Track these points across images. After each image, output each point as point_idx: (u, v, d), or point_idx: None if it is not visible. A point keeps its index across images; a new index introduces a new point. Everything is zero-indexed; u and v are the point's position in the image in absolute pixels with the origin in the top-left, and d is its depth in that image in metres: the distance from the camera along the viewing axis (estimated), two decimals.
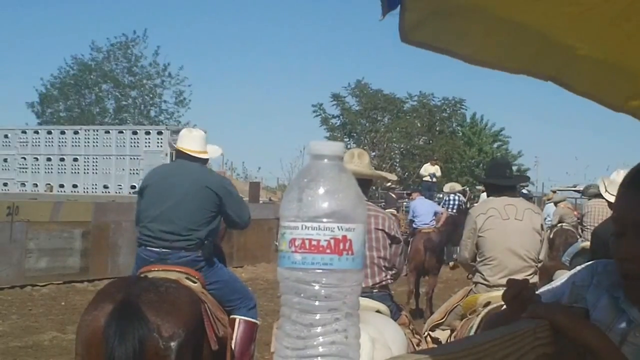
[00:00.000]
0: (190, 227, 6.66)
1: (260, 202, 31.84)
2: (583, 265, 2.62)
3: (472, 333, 6.66)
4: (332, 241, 1.32)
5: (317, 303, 1.31)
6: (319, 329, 1.31)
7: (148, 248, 6.68)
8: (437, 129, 53.48)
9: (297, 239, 1.33)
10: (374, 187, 31.15)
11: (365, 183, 6.34)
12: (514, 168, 8.03)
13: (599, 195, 10.54)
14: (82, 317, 5.97)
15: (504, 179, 7.69)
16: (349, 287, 1.33)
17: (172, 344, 5.69)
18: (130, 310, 5.63)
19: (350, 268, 1.34)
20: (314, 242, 1.32)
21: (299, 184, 1.35)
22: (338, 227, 1.33)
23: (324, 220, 1.32)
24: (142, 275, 6.49)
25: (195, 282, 6.52)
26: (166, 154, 24.45)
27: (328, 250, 1.32)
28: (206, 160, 7.21)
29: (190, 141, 7.06)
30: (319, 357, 1.31)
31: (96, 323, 5.68)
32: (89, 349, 5.73)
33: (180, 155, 7.09)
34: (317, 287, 1.32)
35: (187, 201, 6.68)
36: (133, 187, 24.73)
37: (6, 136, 32.87)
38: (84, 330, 5.82)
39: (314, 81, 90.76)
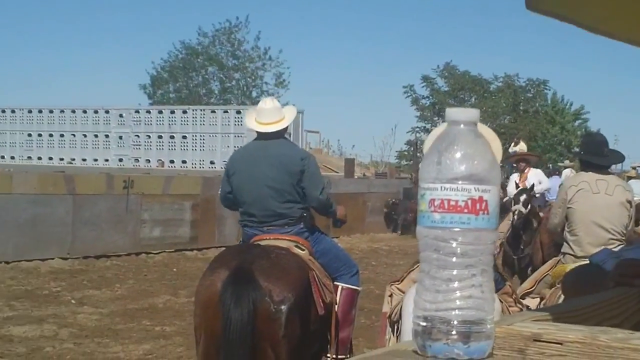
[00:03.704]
0: (286, 206, 6.62)
1: (355, 177, 31.90)
2: None
3: (560, 301, 6.58)
4: (469, 201, 1.32)
5: (454, 259, 1.31)
6: (456, 284, 1.31)
7: (252, 229, 6.69)
8: (522, 108, 52.80)
9: (436, 200, 1.33)
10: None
11: None
12: None
13: None
14: (200, 281, 6.03)
15: (601, 157, 7.52)
16: (484, 245, 1.33)
17: (283, 307, 5.72)
18: (244, 275, 5.68)
19: (486, 227, 1.33)
20: (452, 202, 1.32)
21: (438, 148, 1.35)
22: (475, 188, 1.33)
23: (462, 182, 1.32)
24: (254, 243, 6.52)
25: (303, 250, 6.52)
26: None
27: (465, 210, 1.32)
28: (285, 129, 7.07)
29: (266, 114, 6.88)
30: (456, 310, 1.31)
31: (213, 287, 5.73)
32: (206, 311, 5.79)
33: (259, 133, 6.97)
34: (454, 245, 1.32)
35: (277, 183, 6.62)
36: None
37: (121, 115, 33.43)
38: (202, 294, 5.88)
39: (405, 64, 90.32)
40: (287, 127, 7.02)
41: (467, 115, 1.37)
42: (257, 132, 6.96)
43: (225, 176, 6.92)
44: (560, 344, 1.42)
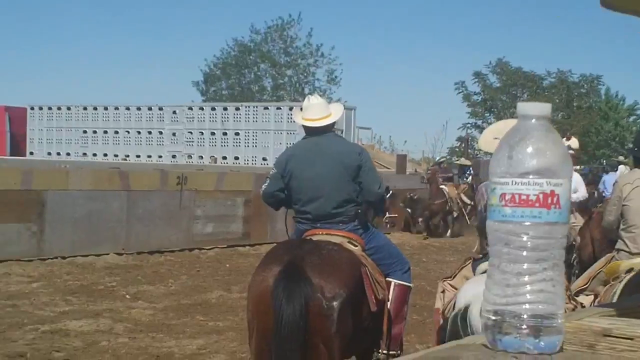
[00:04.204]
0: (341, 204, 6.61)
1: (407, 173, 31.81)
2: None
3: (615, 299, 6.51)
4: (540, 195, 1.32)
5: (524, 253, 1.31)
6: (526, 278, 1.31)
7: (305, 225, 6.69)
8: (575, 104, 52.40)
9: (507, 194, 1.33)
10: None
11: None
12: None
13: None
14: (253, 277, 6.04)
15: None
16: (556, 239, 1.33)
17: (334, 303, 5.70)
18: (296, 271, 5.67)
19: (557, 221, 1.33)
20: (523, 197, 1.32)
21: (509, 143, 1.35)
22: (546, 182, 1.32)
23: (533, 176, 1.31)
24: (306, 238, 6.52)
25: (356, 246, 6.51)
26: None
27: (537, 204, 1.32)
28: (333, 124, 7.02)
29: (313, 110, 6.86)
30: (527, 304, 1.31)
31: (265, 283, 5.73)
32: (258, 306, 5.80)
33: (308, 129, 6.97)
34: (525, 239, 1.32)
35: (332, 180, 6.58)
36: None
37: (174, 112, 33.62)
38: (254, 289, 5.89)
39: (457, 60, 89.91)
40: (334, 123, 7.00)
41: (539, 110, 1.36)
42: (305, 129, 6.95)
43: (277, 175, 6.88)
44: (631, 339, 1.41)
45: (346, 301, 5.77)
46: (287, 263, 5.71)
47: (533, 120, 1.37)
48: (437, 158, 28.27)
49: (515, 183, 1.34)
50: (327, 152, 6.69)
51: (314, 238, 6.44)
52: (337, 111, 7.01)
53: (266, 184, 6.97)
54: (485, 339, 1.35)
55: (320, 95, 7.63)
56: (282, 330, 5.48)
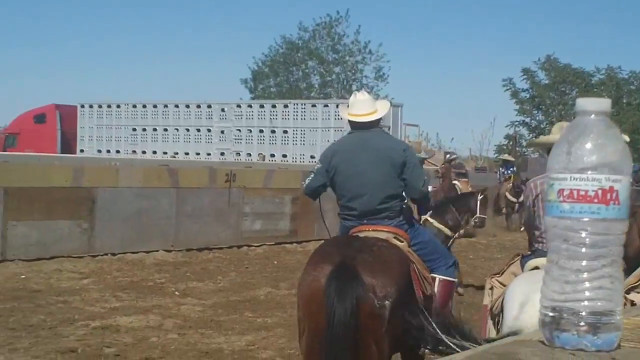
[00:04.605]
0: (387, 200, 6.59)
1: None
2: None
3: None
4: (599, 192, 1.31)
5: (583, 250, 1.30)
6: (585, 275, 1.30)
7: (351, 222, 6.67)
8: (625, 101, 51.87)
9: (566, 190, 1.32)
10: None
11: None
12: None
13: None
14: (303, 276, 6.03)
15: None
16: (614, 235, 1.32)
17: (386, 302, 5.69)
18: (347, 271, 5.65)
19: (616, 217, 1.32)
20: (582, 192, 1.31)
21: (567, 139, 1.34)
22: (605, 178, 1.31)
23: (592, 171, 1.30)
24: (354, 235, 6.50)
25: (402, 242, 6.49)
26: None
27: (595, 200, 1.31)
28: (378, 121, 7.01)
29: (359, 106, 6.85)
30: (585, 301, 1.30)
31: (316, 283, 5.72)
32: (309, 306, 5.79)
33: (354, 124, 6.96)
34: (583, 235, 1.31)
35: (378, 176, 6.56)
36: None
37: (223, 110, 33.77)
38: (306, 289, 5.88)
39: (505, 56, 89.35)
40: (380, 119, 7.00)
41: (598, 106, 1.35)
42: (351, 124, 6.95)
43: (322, 169, 6.85)
44: None
45: (397, 299, 5.75)
46: (338, 263, 5.69)
47: (592, 116, 1.35)
48: (447, 156, 28.00)
49: (574, 179, 1.33)
50: (373, 147, 6.69)
51: (361, 234, 6.43)
52: (383, 108, 7.01)
53: (310, 178, 6.94)
54: (542, 336, 1.35)
55: (368, 92, 7.62)
56: (334, 330, 5.48)
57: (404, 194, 6.74)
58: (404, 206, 6.72)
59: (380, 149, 6.70)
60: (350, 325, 5.50)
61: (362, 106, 6.85)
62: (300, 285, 6.01)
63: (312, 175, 6.92)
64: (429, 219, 11.70)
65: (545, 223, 1.38)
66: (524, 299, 5.20)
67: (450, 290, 6.95)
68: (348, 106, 6.98)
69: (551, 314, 1.35)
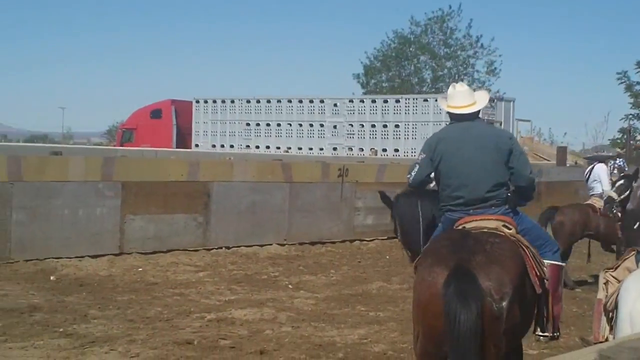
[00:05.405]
0: (493, 189, 6.52)
1: (567, 165, 31.23)
2: None
3: None
4: None
5: None
6: None
7: (457, 213, 6.63)
8: None
9: None
10: None
11: None
12: None
13: None
14: (418, 277, 5.98)
15: None
16: None
17: (503, 304, 5.66)
18: (465, 276, 5.58)
19: None
20: None
21: None
22: None
23: None
24: (462, 228, 6.44)
25: (510, 229, 6.45)
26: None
27: None
28: (478, 112, 6.93)
29: (458, 98, 6.84)
30: None
31: (434, 288, 5.66)
32: (426, 310, 5.76)
33: (453, 116, 6.97)
34: None
35: (485, 164, 6.52)
36: None
37: (335, 105, 33.98)
38: (422, 293, 5.84)
39: (619, 49, 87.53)
40: (479, 111, 6.98)
41: None
42: (450, 115, 6.93)
43: (426, 159, 6.81)
44: None
45: (513, 298, 5.73)
46: (454, 267, 5.66)
47: None
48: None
49: None
50: (478, 135, 6.68)
51: (469, 225, 6.40)
52: (482, 99, 6.99)
53: (415, 171, 6.85)
54: None
55: (468, 84, 7.60)
56: (461, 336, 5.47)
57: (511, 181, 6.73)
58: (509, 194, 6.69)
59: (486, 137, 6.70)
60: (477, 331, 5.49)
61: (461, 98, 6.85)
62: (416, 290, 5.96)
63: (417, 168, 6.84)
64: None
65: None
66: (638, 295, 5.14)
67: (559, 274, 6.86)
68: (447, 97, 6.98)
69: None
